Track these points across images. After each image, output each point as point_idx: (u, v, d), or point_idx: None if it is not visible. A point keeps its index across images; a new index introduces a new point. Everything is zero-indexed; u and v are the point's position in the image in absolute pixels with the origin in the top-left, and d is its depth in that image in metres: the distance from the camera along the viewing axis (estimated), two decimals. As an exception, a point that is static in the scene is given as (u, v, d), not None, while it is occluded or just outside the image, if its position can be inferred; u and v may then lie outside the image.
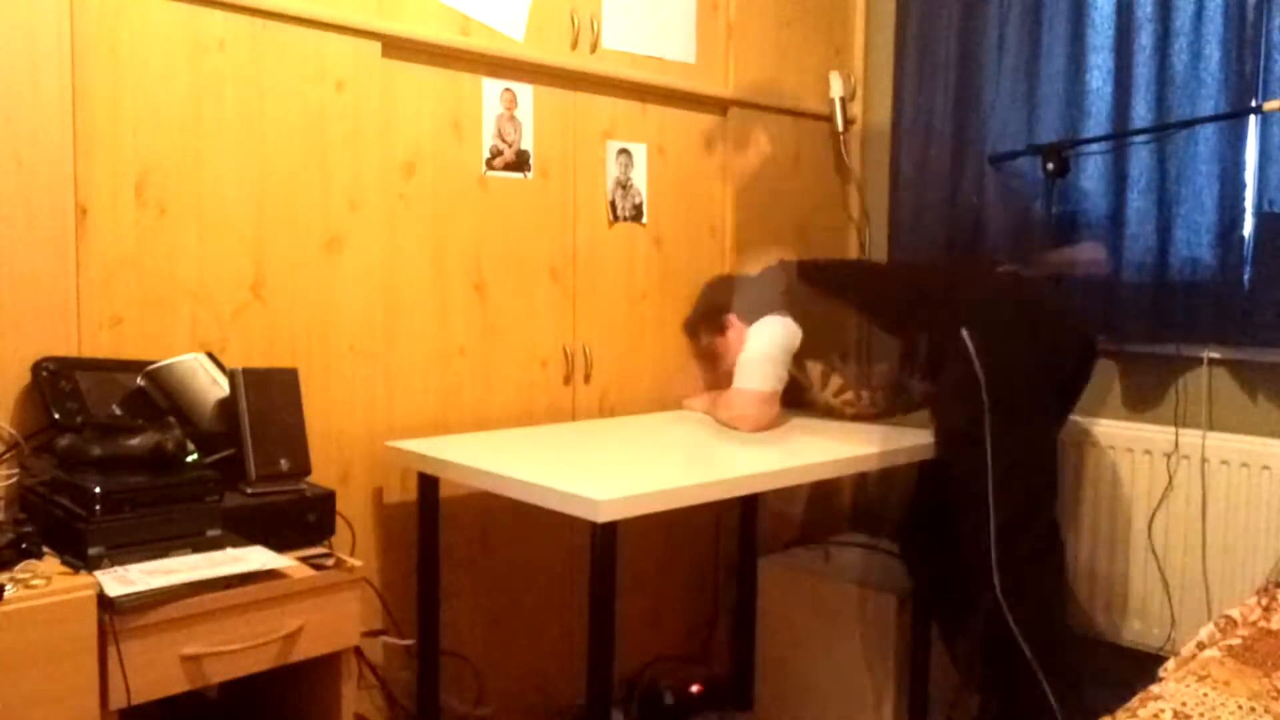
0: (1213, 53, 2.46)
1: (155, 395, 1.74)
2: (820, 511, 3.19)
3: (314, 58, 2.04)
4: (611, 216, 2.59)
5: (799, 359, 2.49)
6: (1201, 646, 1.79)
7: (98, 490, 1.48)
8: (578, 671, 2.58)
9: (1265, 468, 2.42)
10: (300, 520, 1.73)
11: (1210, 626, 1.91)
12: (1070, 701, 2.21)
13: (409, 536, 2.22)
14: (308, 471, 1.78)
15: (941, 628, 2.54)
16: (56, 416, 1.66)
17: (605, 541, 1.73)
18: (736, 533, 2.88)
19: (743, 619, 2.80)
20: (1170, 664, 1.75)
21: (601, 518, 1.69)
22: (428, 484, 2.14)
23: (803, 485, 2.99)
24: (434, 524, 2.15)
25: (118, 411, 1.68)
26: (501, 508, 2.39)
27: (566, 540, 2.54)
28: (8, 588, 1.37)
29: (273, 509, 1.70)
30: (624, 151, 2.60)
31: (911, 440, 2.32)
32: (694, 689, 2.62)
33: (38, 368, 1.70)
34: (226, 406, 1.76)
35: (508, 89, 2.36)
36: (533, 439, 2.19)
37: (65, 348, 1.75)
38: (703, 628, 2.87)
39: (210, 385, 1.78)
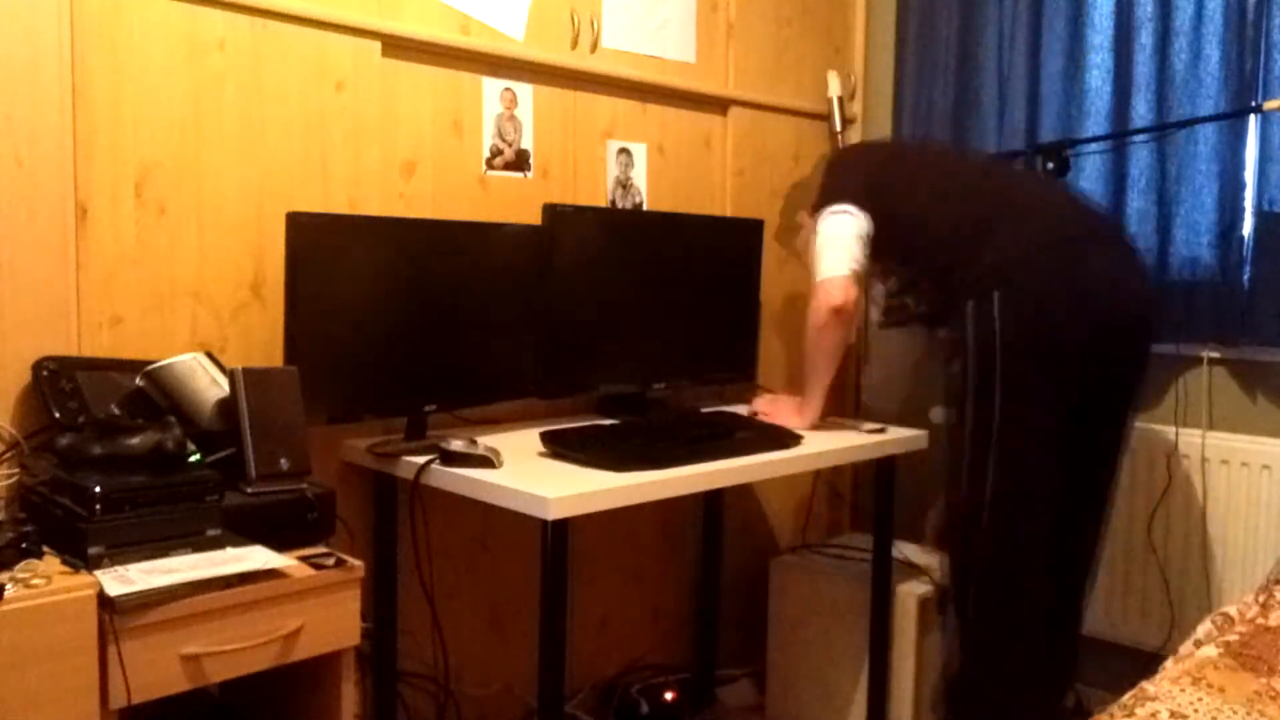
0: (1213, 53, 2.46)
1: (154, 395, 1.74)
2: (829, 510, 3.19)
3: (314, 58, 2.04)
4: (611, 216, 2.59)
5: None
6: (1199, 644, 1.79)
7: (98, 490, 1.48)
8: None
9: (1265, 467, 2.42)
10: (300, 520, 1.73)
11: (1207, 624, 1.91)
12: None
13: (406, 537, 2.23)
14: (308, 471, 1.78)
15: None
16: (57, 416, 1.67)
17: (556, 539, 1.76)
18: (730, 534, 2.89)
19: (708, 621, 2.82)
20: (1169, 663, 1.75)
21: (551, 515, 1.71)
22: (384, 486, 2.14)
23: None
24: (391, 527, 2.15)
25: (117, 411, 1.68)
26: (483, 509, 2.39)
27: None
28: (8, 587, 1.37)
29: (273, 508, 1.70)
30: (624, 151, 2.60)
31: (873, 438, 2.34)
32: (668, 696, 2.60)
33: (38, 367, 1.70)
34: (226, 406, 1.76)
35: (508, 88, 2.36)
36: (517, 436, 2.20)
37: (65, 347, 1.75)
38: (679, 632, 2.87)
39: (210, 385, 1.79)
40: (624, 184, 2.61)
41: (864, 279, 2.31)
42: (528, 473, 1.86)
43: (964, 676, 2.20)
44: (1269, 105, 2.28)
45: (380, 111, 2.14)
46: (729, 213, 2.84)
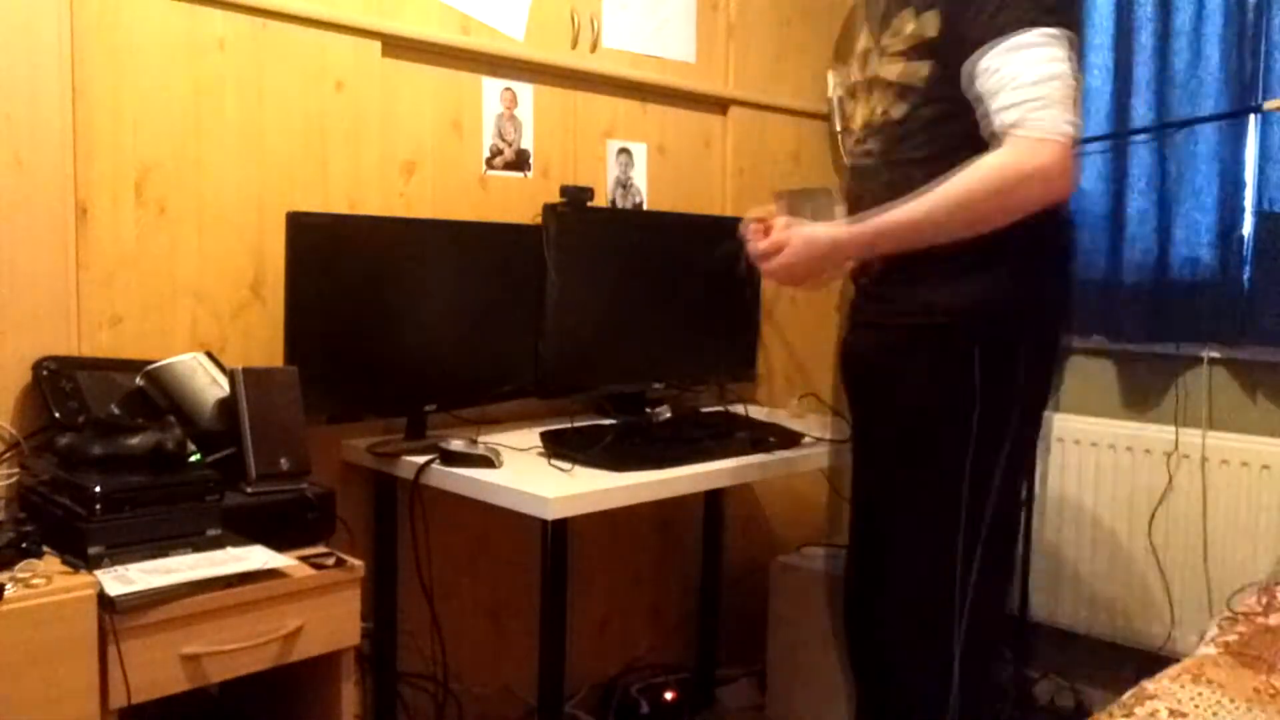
0: (1213, 53, 2.45)
1: (154, 395, 1.74)
2: (829, 510, 3.19)
3: (314, 58, 2.04)
4: (611, 216, 2.59)
5: None
6: (1203, 645, 1.80)
7: (98, 490, 1.48)
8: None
9: (1265, 467, 2.42)
10: (300, 519, 1.73)
11: (1213, 626, 1.91)
12: None
13: (406, 537, 2.22)
14: (308, 471, 1.78)
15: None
16: (57, 416, 1.67)
17: (556, 539, 1.76)
18: (731, 534, 2.88)
19: (708, 621, 2.81)
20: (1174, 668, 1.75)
21: (551, 515, 1.71)
22: (384, 486, 2.13)
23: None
24: (391, 527, 2.15)
25: (117, 411, 1.68)
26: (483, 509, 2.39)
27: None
28: (8, 587, 1.37)
29: (273, 508, 1.70)
30: (624, 151, 2.60)
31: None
32: (668, 696, 2.59)
33: (38, 367, 1.70)
34: (226, 406, 1.76)
35: (508, 88, 2.36)
36: (517, 436, 2.20)
37: (65, 347, 1.75)
38: (679, 632, 2.87)
39: (210, 385, 1.79)
40: (624, 184, 2.61)
41: None
42: (528, 473, 1.86)
43: None
44: (1269, 105, 2.29)
45: (380, 111, 2.14)
46: (729, 213, 2.84)
